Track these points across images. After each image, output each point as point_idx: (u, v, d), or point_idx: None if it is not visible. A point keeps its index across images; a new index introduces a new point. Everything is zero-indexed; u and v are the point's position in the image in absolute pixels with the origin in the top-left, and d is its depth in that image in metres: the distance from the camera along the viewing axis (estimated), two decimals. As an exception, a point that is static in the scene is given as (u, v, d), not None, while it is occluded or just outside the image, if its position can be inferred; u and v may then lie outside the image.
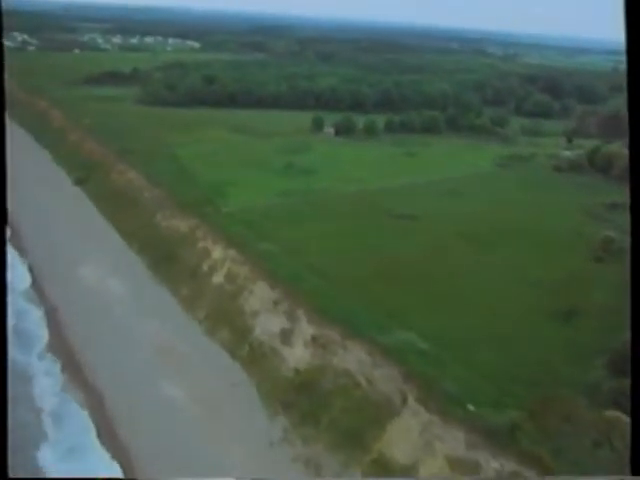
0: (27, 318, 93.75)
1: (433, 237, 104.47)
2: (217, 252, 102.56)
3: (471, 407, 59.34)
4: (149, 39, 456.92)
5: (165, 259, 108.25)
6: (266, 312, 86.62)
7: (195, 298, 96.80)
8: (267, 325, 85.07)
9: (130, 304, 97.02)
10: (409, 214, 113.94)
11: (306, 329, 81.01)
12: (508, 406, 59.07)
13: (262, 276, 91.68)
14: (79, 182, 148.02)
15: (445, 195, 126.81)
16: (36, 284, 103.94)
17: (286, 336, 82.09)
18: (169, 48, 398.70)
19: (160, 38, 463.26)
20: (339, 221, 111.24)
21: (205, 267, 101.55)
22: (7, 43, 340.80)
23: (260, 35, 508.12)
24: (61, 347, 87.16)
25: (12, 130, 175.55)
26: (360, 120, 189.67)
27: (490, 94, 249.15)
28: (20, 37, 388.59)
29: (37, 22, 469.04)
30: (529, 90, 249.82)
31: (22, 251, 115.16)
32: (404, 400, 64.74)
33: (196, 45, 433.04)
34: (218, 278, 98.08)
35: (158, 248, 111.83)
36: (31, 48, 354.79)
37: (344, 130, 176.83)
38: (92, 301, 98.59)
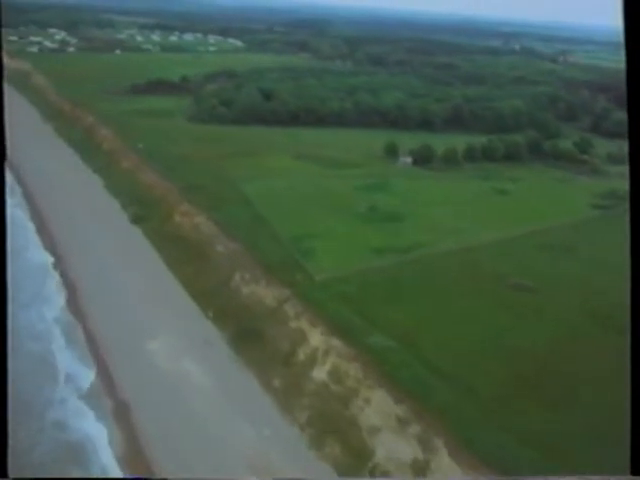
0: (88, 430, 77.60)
1: (560, 320, 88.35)
2: (316, 338, 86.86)
3: None
4: (188, 36, 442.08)
5: (249, 336, 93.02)
6: (390, 431, 70.46)
7: (292, 394, 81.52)
8: (393, 450, 69.01)
9: (212, 396, 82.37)
10: (526, 285, 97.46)
11: (448, 465, 64.64)
12: None
13: (379, 381, 75.75)
14: (137, 220, 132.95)
15: (555, 253, 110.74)
16: (101, 372, 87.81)
17: (421, 469, 65.84)
18: (212, 48, 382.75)
19: (200, 35, 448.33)
20: (450, 296, 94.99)
21: (302, 355, 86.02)
22: (46, 43, 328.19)
23: (300, 31, 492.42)
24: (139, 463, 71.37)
25: (60, 148, 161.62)
26: (434, 142, 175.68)
27: (562, 109, 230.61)
28: (58, 35, 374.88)
29: (73, 17, 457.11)
30: (606, 107, 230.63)
31: (80, 315, 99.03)
32: None
33: (238, 44, 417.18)
34: (320, 373, 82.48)
35: (240, 320, 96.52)
36: (70, 49, 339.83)
37: (422, 159, 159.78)
38: (167, 393, 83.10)
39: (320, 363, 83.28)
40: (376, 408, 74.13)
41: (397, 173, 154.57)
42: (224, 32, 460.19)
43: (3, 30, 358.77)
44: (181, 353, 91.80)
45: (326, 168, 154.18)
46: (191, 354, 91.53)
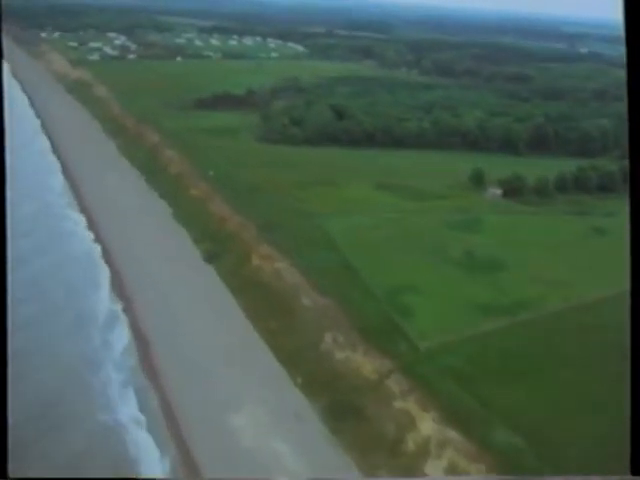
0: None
1: None
2: (427, 425, 75.82)
3: None
4: (248, 40, 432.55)
5: (346, 412, 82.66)
6: None
7: (402, 491, 69.74)
8: None
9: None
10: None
11: None
12: None
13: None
14: (211, 258, 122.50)
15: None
16: (180, 452, 77.70)
17: None
18: (273, 54, 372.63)
19: (259, 39, 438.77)
20: (574, 372, 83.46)
21: (411, 444, 74.69)
22: (106, 49, 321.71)
23: (361, 34, 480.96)
24: None
25: (124, 169, 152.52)
26: (520, 168, 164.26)
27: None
28: (118, 40, 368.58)
29: (130, 19, 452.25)
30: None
31: (153, 378, 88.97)
32: None
33: (300, 49, 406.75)
34: (435, 469, 70.75)
35: (334, 392, 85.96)
36: (131, 56, 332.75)
37: (512, 190, 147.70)
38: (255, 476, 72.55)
39: (434, 457, 72.35)
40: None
41: (487, 207, 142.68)
42: (284, 36, 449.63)
43: (64, 35, 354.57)
44: (269, 429, 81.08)
45: (410, 200, 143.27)
46: (280, 430, 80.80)
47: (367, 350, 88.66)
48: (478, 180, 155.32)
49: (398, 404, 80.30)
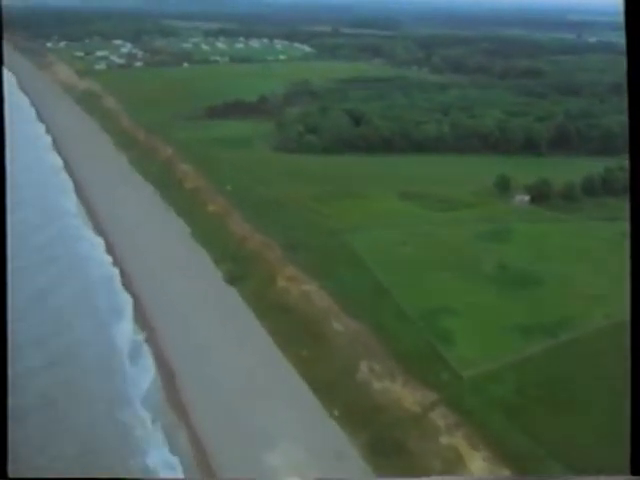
0: None
1: None
2: (478, 464, 71.84)
3: None
4: (254, 42, 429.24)
5: (389, 449, 78.59)
6: None
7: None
8: None
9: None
10: None
11: None
12: None
13: None
14: (233, 280, 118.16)
15: None
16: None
17: None
18: (281, 56, 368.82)
19: (266, 41, 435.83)
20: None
21: (461, 484, 69.78)
22: (113, 58, 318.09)
23: (367, 32, 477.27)
24: None
25: (138, 185, 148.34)
26: (544, 170, 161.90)
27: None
28: (124, 47, 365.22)
29: (135, 25, 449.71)
30: None
31: (181, 413, 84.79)
32: None
33: (307, 49, 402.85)
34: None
35: (374, 426, 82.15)
36: (138, 64, 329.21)
37: (539, 195, 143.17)
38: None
39: (487, 500, 67.61)
40: None
41: (516, 215, 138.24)
42: (290, 36, 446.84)
43: (69, 44, 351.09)
44: (308, 468, 76.78)
45: (436, 210, 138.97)
46: (320, 470, 76.44)
47: (407, 380, 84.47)
48: (504, 186, 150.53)
49: (445, 439, 76.28)
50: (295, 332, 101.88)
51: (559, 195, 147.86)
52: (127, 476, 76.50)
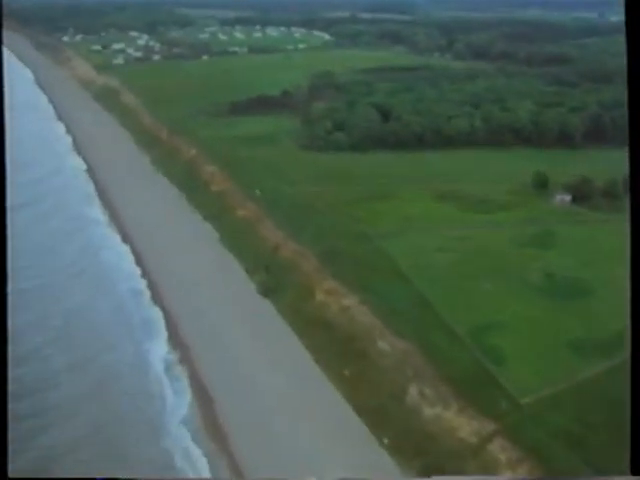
0: None
1: None
2: (544, 504, 65.77)
3: None
4: (272, 31, 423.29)
5: (445, 483, 72.35)
6: None
7: None
8: None
9: None
10: None
11: None
12: None
13: None
14: (267, 292, 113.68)
15: None
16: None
17: None
18: (300, 45, 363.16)
19: (283, 29, 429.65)
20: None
21: (527, 526, 65.20)
22: (130, 51, 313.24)
23: (386, 17, 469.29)
24: None
25: (162, 187, 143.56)
26: (579, 164, 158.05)
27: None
28: (141, 39, 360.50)
29: (150, 15, 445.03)
30: None
31: (221, 440, 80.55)
32: None
33: (326, 37, 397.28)
34: None
35: (427, 456, 76.82)
36: (156, 57, 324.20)
37: (580, 195, 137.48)
38: None
39: None
40: None
41: (557, 217, 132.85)
42: (307, 23, 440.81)
43: (86, 38, 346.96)
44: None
45: (473, 212, 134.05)
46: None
47: (462, 408, 79.36)
48: (542, 184, 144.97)
49: (507, 472, 71.07)
50: (336, 349, 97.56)
51: (601, 193, 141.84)
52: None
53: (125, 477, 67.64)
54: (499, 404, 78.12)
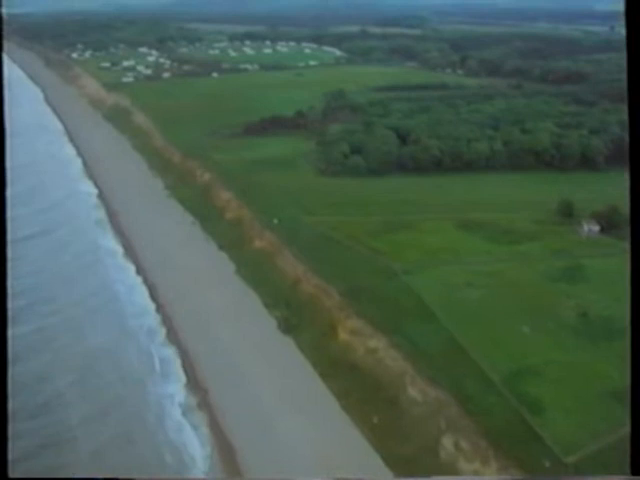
0: None
1: None
2: None
3: None
4: (282, 46, 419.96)
5: None
6: None
7: None
8: None
9: None
10: None
11: None
12: None
13: None
14: (288, 329, 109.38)
15: None
16: None
17: None
18: (312, 62, 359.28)
19: (293, 44, 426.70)
20: None
21: None
22: (140, 68, 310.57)
23: (396, 31, 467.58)
24: None
25: (176, 214, 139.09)
26: (604, 190, 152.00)
27: None
28: (150, 56, 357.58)
29: (159, 31, 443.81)
30: None
31: None
32: None
33: (337, 53, 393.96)
34: None
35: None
36: (166, 74, 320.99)
37: (608, 224, 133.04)
38: None
39: None
40: None
41: (586, 248, 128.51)
42: (317, 39, 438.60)
43: (94, 55, 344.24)
44: None
45: (498, 243, 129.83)
46: None
47: (502, 465, 74.75)
48: (567, 213, 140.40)
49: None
50: (362, 394, 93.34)
51: (628, 222, 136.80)
52: None
53: None
54: (540, 462, 73.50)
